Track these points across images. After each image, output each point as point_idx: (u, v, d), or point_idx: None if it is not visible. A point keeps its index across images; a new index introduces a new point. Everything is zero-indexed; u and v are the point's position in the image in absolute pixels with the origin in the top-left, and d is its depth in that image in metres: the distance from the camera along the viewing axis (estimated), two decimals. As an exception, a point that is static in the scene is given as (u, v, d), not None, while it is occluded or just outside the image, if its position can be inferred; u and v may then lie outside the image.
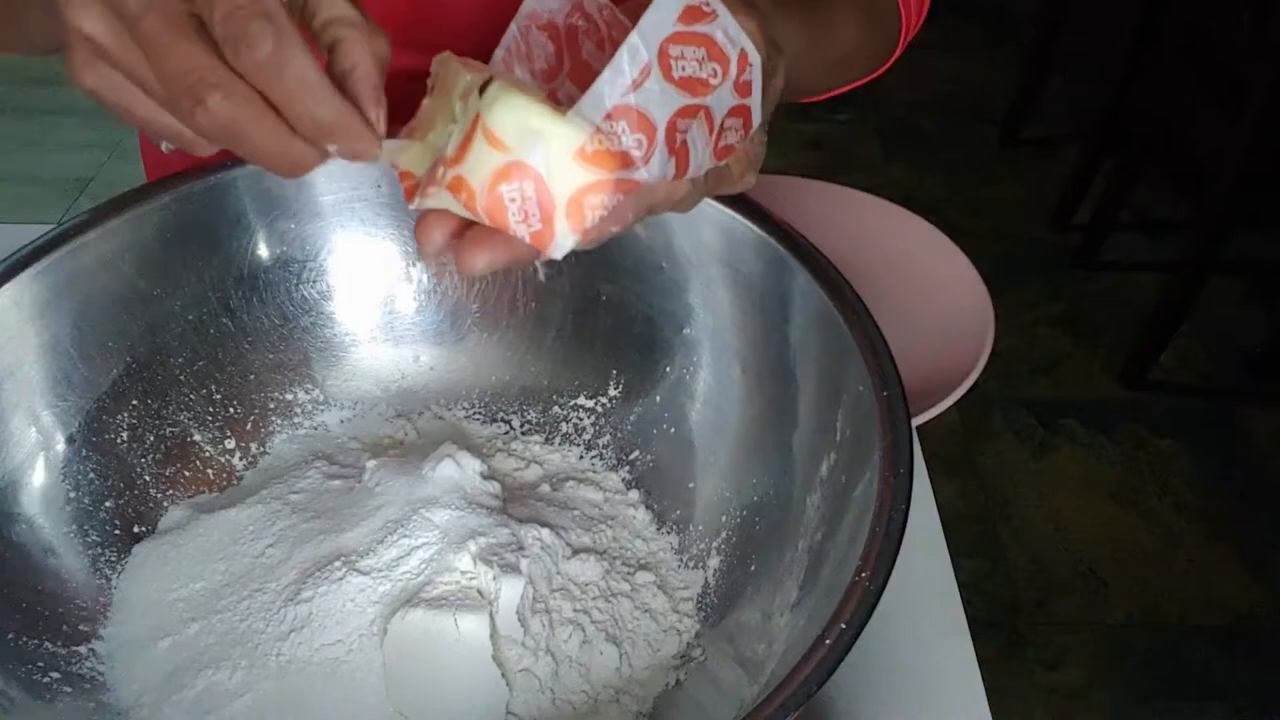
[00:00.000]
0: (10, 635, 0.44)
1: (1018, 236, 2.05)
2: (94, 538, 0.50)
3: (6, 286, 0.46)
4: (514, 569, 0.47)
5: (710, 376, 0.54)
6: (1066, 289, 1.94)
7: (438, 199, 0.32)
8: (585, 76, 0.39)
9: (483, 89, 0.32)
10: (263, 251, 0.55)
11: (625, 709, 0.47)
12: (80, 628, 0.48)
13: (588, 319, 0.57)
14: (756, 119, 0.35)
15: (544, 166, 0.31)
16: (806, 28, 0.50)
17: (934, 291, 0.74)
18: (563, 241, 0.32)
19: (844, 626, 0.35)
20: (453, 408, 0.60)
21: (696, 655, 0.49)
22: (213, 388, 0.55)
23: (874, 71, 0.63)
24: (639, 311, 0.55)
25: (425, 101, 0.36)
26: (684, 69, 0.32)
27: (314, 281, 0.57)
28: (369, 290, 0.58)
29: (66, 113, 2.32)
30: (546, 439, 0.59)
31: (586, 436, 0.58)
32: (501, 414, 0.59)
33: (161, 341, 0.53)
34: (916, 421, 0.61)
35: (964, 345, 0.68)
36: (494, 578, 0.46)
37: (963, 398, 0.64)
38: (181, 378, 0.54)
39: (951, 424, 1.68)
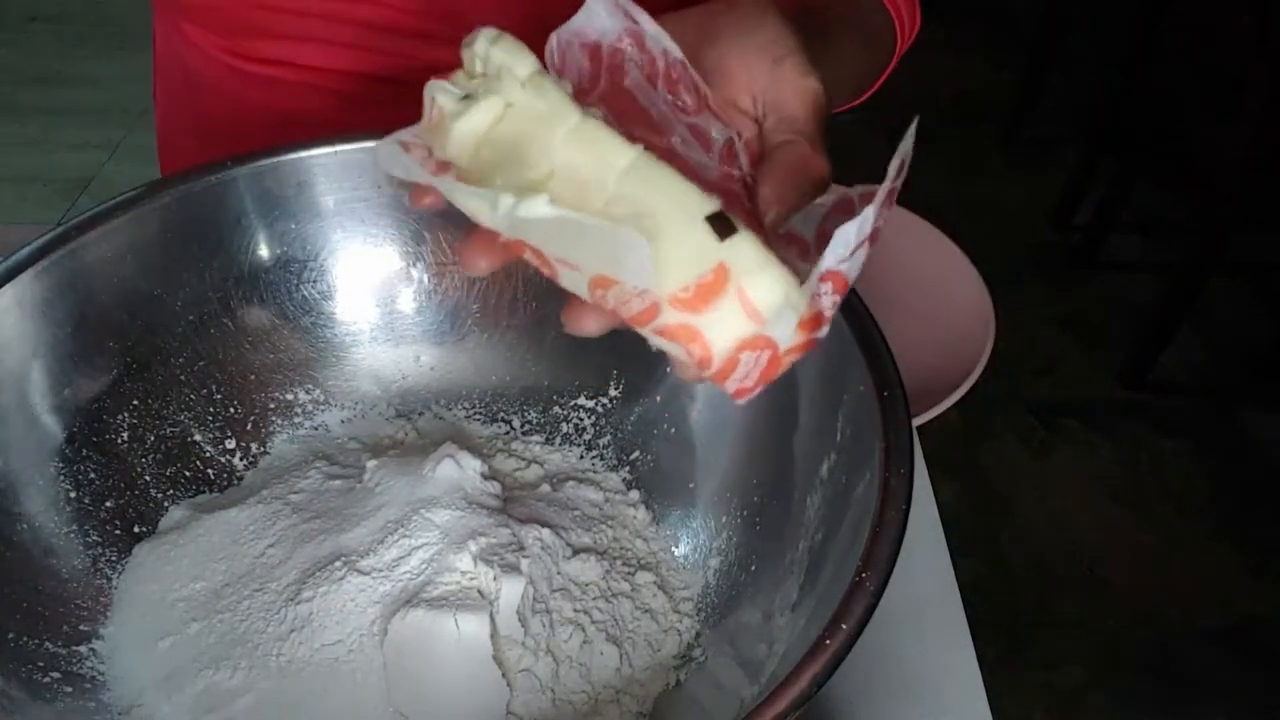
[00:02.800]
0: (10, 635, 0.44)
1: (1018, 236, 2.05)
2: (94, 538, 0.50)
3: (7, 286, 0.46)
4: (514, 569, 0.47)
5: (710, 376, 0.53)
6: (1067, 289, 1.94)
7: (656, 340, 0.32)
8: (622, 103, 0.38)
9: (715, 224, 0.31)
10: (263, 251, 0.55)
11: (625, 709, 0.47)
12: (80, 628, 0.48)
13: (588, 319, 0.56)
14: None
15: (781, 338, 0.31)
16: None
17: (934, 291, 0.74)
18: (756, 393, 0.32)
19: (844, 627, 0.35)
20: (453, 408, 0.60)
21: (697, 655, 0.49)
22: (213, 388, 0.55)
23: (864, 94, 0.62)
24: (639, 311, 0.55)
25: (452, 121, 0.34)
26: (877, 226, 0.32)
27: (314, 281, 0.57)
28: (369, 290, 0.58)
29: (66, 113, 2.32)
30: (547, 439, 0.59)
31: (587, 436, 0.58)
32: (502, 414, 0.59)
33: (162, 341, 0.53)
34: (917, 421, 0.61)
35: (964, 345, 0.68)
36: (494, 578, 0.46)
37: (963, 398, 0.64)
38: (182, 378, 0.54)
39: (951, 424, 1.68)
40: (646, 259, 0.30)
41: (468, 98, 0.34)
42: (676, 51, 0.37)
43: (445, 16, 0.60)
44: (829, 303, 0.31)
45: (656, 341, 0.33)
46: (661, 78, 0.38)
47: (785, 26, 0.39)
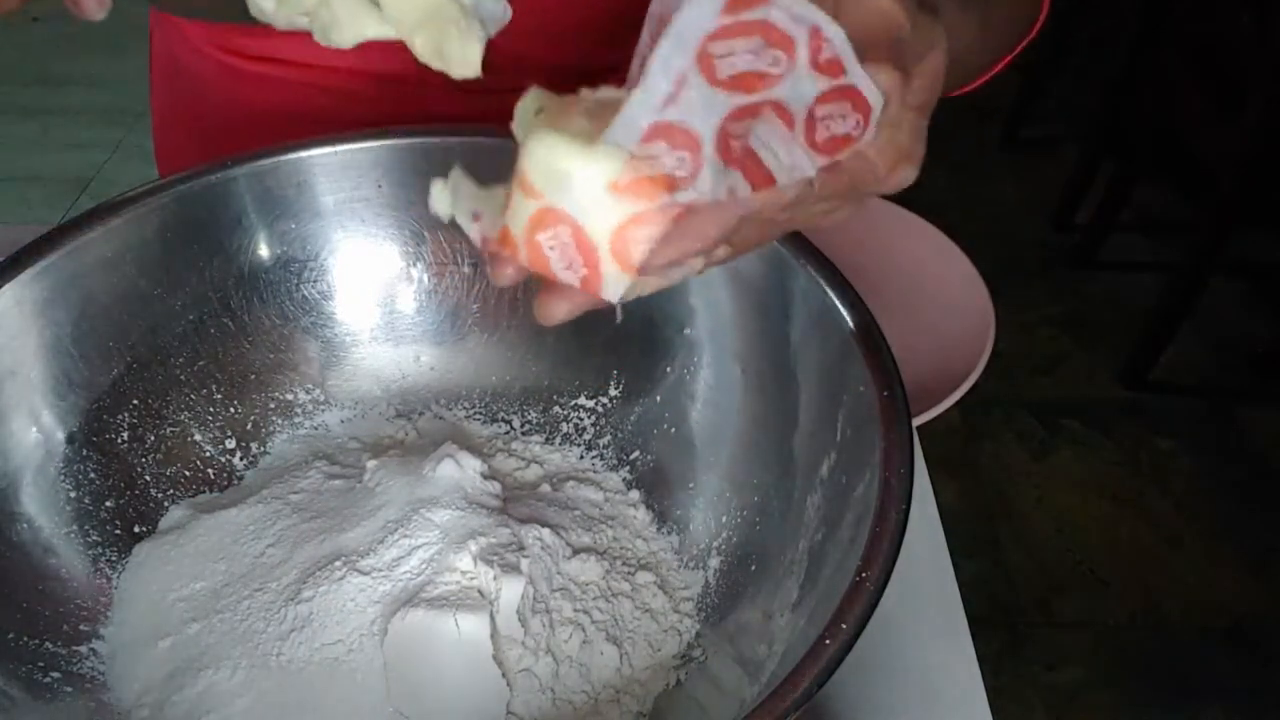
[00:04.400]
0: (10, 635, 0.44)
1: (1018, 236, 2.05)
2: (94, 537, 0.50)
3: (7, 286, 0.46)
4: (514, 569, 0.47)
5: (711, 376, 0.54)
6: (1067, 289, 1.94)
7: (509, 258, 0.31)
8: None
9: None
10: (263, 251, 0.55)
11: (625, 709, 0.47)
12: (81, 627, 0.48)
13: (588, 319, 0.56)
14: (875, 100, 0.30)
15: (576, 208, 0.29)
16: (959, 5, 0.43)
17: (934, 291, 0.74)
18: (613, 283, 0.30)
19: (844, 627, 0.35)
20: (453, 408, 0.60)
21: (697, 655, 0.49)
22: (213, 387, 0.55)
23: (1018, 46, 0.57)
24: (639, 311, 0.54)
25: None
26: (734, 66, 0.28)
27: (315, 281, 0.57)
28: (370, 290, 0.58)
29: (66, 113, 2.32)
30: (547, 439, 0.59)
31: (587, 436, 0.58)
32: (502, 414, 0.59)
33: (162, 341, 0.53)
34: (917, 421, 0.61)
35: (964, 345, 0.68)
36: (494, 578, 0.46)
37: (963, 398, 0.64)
38: (182, 377, 0.54)
39: (951, 424, 1.68)
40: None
41: None
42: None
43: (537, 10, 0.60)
44: (673, 161, 0.28)
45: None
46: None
47: None
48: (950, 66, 0.40)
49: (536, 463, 0.57)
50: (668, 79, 0.28)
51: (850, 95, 0.30)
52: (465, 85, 0.37)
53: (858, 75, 0.30)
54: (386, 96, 0.65)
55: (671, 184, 0.28)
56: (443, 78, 0.36)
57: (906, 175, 0.33)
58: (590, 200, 0.28)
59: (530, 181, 0.29)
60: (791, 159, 0.30)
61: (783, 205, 0.31)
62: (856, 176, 0.32)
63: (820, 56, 0.29)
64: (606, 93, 0.31)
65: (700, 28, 0.28)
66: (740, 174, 0.29)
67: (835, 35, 0.29)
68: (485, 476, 0.51)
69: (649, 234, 0.29)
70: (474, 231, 0.32)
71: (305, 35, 0.39)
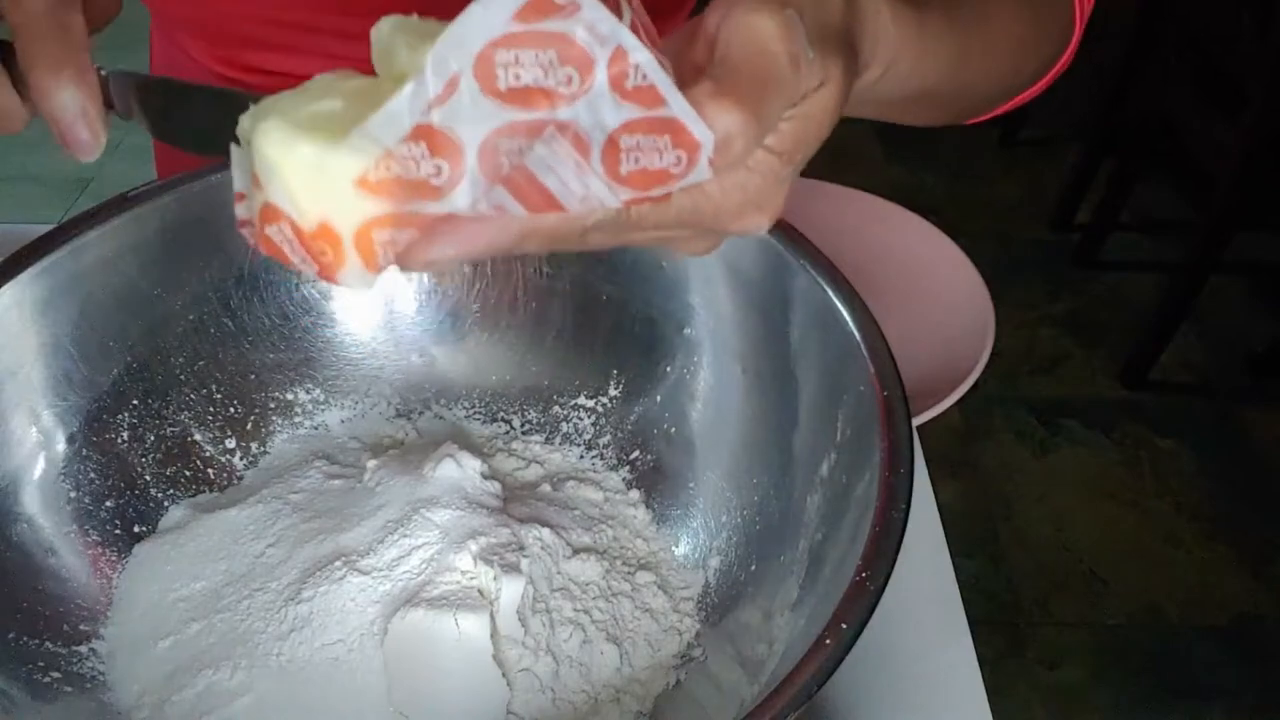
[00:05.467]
0: (11, 635, 0.44)
1: (1018, 236, 2.05)
2: (94, 537, 0.50)
3: (6, 286, 0.46)
4: (514, 569, 0.47)
5: (711, 376, 0.54)
6: (1067, 289, 1.94)
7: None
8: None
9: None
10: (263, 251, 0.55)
11: (625, 709, 0.47)
12: (81, 627, 0.48)
13: (588, 319, 0.57)
14: (703, 138, 0.27)
15: (292, 207, 0.27)
16: (939, 23, 0.38)
17: (934, 291, 0.74)
18: (357, 277, 0.28)
19: (844, 626, 0.35)
20: (453, 407, 0.60)
21: (697, 655, 0.49)
22: (213, 387, 0.55)
23: (1042, 78, 0.53)
24: (639, 311, 0.55)
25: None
26: (516, 77, 0.26)
27: (314, 281, 0.57)
28: (369, 289, 0.58)
29: (67, 113, 2.32)
30: (547, 439, 0.59)
31: (587, 436, 0.58)
32: (502, 414, 0.59)
33: (162, 341, 0.53)
34: (917, 421, 0.61)
35: (964, 345, 0.68)
36: (494, 577, 0.46)
37: (963, 398, 0.64)
38: (182, 377, 0.54)
39: (952, 424, 1.68)
40: None
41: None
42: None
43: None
44: (429, 168, 0.26)
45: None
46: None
47: None
48: (919, 99, 0.38)
49: (536, 462, 0.57)
50: (440, 79, 0.26)
51: (671, 128, 0.27)
52: None
53: (681, 109, 0.27)
54: None
55: (425, 191, 0.27)
56: None
57: (755, 222, 0.30)
58: (336, 192, 0.27)
59: (257, 171, 0.28)
60: (585, 188, 0.27)
61: (584, 229, 0.28)
62: (693, 213, 0.29)
63: (626, 82, 0.26)
64: (357, 81, 0.30)
65: (487, 30, 0.25)
66: (508, 192, 0.27)
67: (644, 61, 0.26)
68: (485, 476, 0.51)
69: (392, 236, 0.27)
70: (239, 210, 0.31)
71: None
